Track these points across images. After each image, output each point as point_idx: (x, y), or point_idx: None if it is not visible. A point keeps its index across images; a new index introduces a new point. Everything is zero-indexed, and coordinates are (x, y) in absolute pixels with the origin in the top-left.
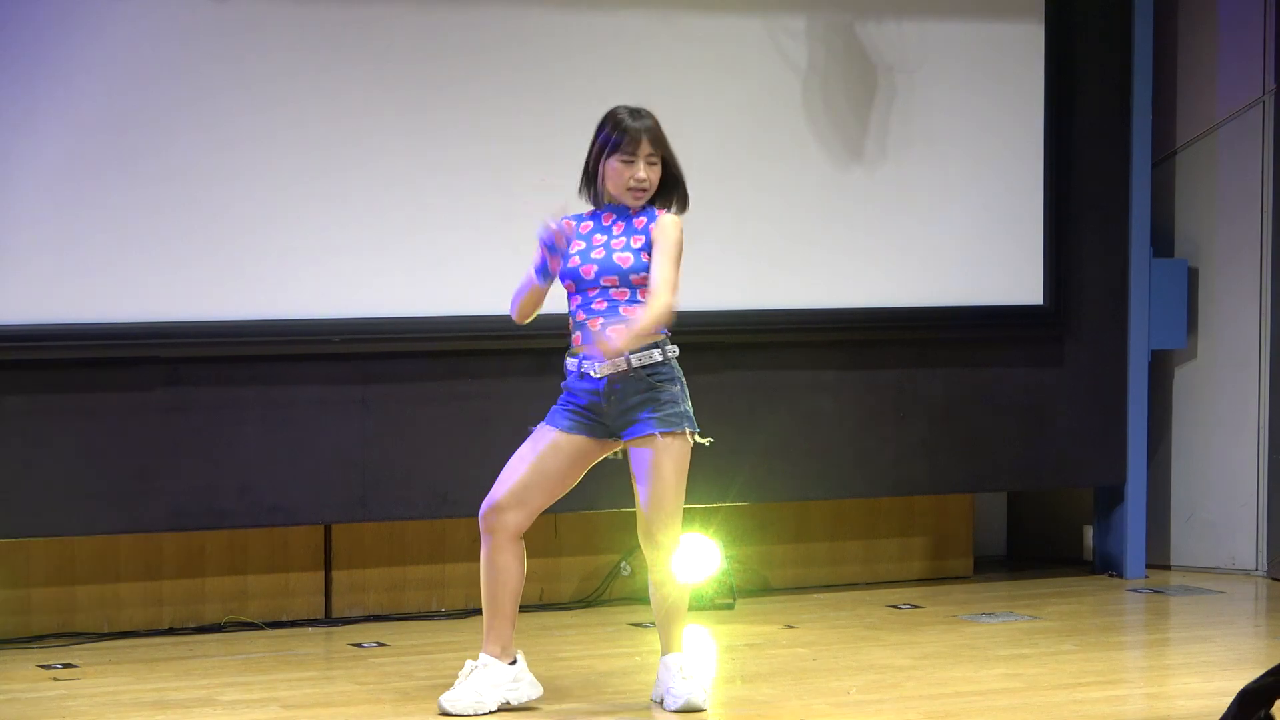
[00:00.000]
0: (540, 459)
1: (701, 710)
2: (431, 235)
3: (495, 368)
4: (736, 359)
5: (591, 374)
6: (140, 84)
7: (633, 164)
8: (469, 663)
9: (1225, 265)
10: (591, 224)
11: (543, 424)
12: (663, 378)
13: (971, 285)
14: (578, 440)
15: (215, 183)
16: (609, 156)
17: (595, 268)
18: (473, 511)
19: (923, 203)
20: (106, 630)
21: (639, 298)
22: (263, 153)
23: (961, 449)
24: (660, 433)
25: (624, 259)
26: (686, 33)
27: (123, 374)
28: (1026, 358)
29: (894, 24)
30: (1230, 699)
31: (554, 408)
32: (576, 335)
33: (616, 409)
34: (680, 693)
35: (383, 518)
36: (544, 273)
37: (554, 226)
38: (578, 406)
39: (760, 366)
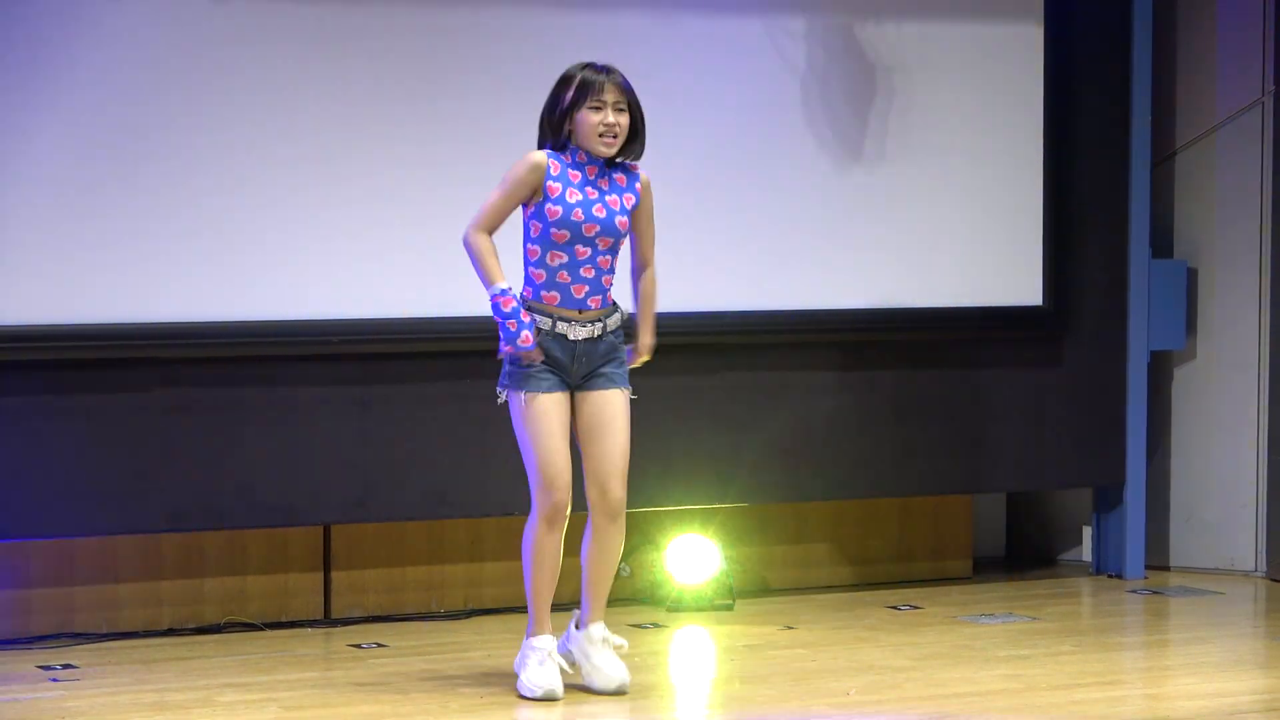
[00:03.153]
0: (561, 430)
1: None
2: (431, 236)
3: (494, 369)
4: (736, 359)
5: (569, 337)
6: (140, 85)
7: (601, 110)
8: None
9: (1224, 266)
10: (578, 173)
11: (530, 393)
12: (620, 339)
13: (971, 286)
14: (562, 396)
15: (215, 183)
16: (577, 108)
17: (597, 226)
18: (471, 512)
19: (922, 203)
20: (106, 631)
21: (615, 261)
22: (263, 153)
23: (961, 449)
24: (621, 388)
25: (622, 223)
26: (686, 34)
27: (123, 374)
28: (1026, 358)
29: (893, 25)
30: (1229, 700)
31: (525, 370)
32: (553, 295)
33: (584, 367)
34: (615, 672)
35: (382, 518)
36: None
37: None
38: (550, 364)
39: (760, 366)
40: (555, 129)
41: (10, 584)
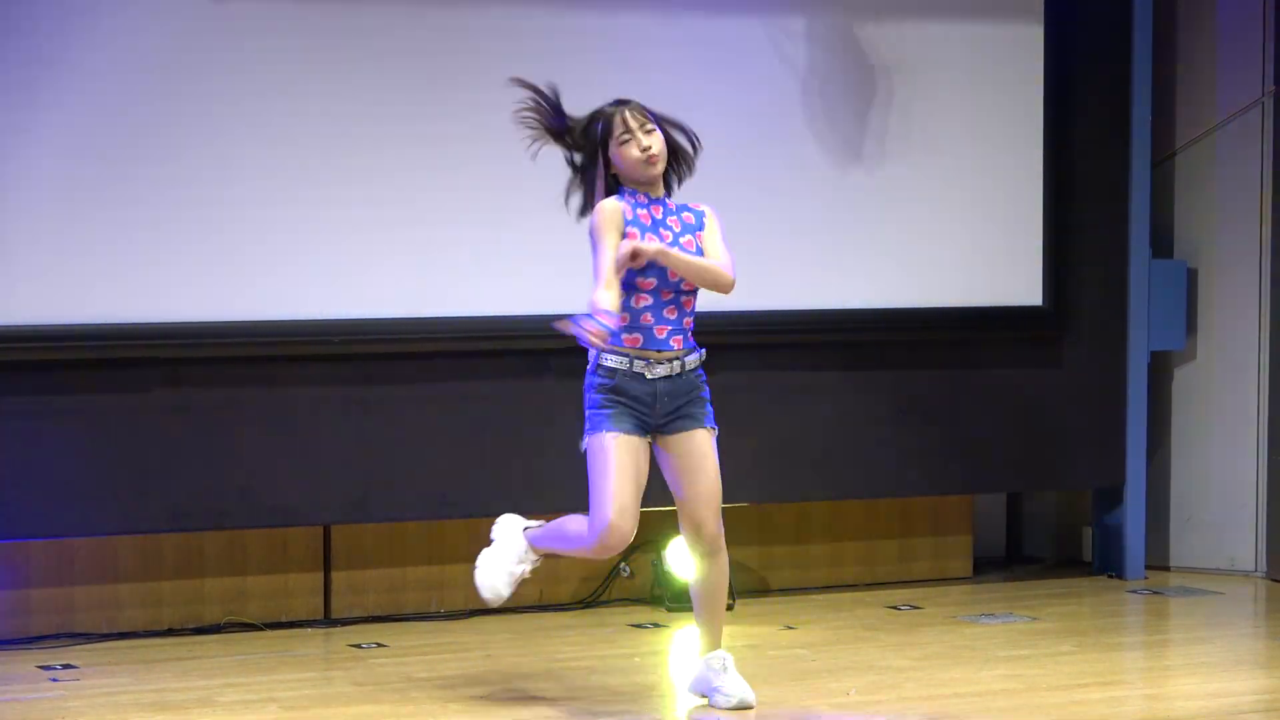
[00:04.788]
0: (633, 472)
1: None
2: (432, 236)
3: (494, 369)
4: (737, 359)
5: (646, 375)
6: (140, 84)
7: (631, 139)
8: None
9: (1224, 267)
10: (648, 215)
11: (608, 433)
12: (702, 378)
13: (971, 286)
14: (641, 442)
15: (215, 183)
16: (610, 148)
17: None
18: (472, 513)
19: (922, 203)
20: (106, 631)
21: (695, 302)
22: (263, 153)
23: (961, 450)
24: (706, 428)
25: None
26: (686, 34)
27: (123, 374)
28: (1026, 358)
29: (893, 25)
30: (1229, 700)
31: (604, 412)
32: (636, 338)
33: (665, 408)
34: (733, 691)
35: (382, 519)
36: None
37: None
38: (631, 406)
39: (760, 367)
40: (590, 161)
41: (10, 584)
